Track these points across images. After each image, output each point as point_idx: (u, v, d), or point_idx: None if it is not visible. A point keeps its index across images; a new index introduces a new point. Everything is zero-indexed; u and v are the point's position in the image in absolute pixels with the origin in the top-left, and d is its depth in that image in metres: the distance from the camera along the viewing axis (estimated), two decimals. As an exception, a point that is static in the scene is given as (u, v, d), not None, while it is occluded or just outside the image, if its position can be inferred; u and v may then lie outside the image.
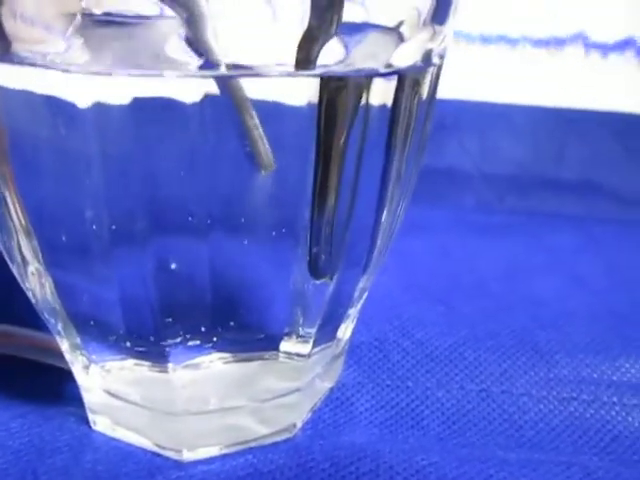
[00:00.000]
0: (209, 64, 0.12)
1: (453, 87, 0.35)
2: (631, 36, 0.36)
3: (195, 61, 0.12)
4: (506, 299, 0.25)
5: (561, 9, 0.36)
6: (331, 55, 0.12)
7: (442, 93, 0.17)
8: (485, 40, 0.36)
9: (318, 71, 0.12)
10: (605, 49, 0.36)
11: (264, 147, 0.13)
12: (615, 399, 0.20)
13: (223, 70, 0.12)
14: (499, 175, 0.37)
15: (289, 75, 0.13)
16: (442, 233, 0.32)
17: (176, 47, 0.12)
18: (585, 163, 0.37)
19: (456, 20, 0.15)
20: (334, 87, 0.13)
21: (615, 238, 0.32)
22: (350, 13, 0.13)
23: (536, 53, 0.36)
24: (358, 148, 0.14)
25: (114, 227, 0.13)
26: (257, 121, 0.12)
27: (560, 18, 0.36)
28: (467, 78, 0.36)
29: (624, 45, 0.36)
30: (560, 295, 0.26)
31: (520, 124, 0.37)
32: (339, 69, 0.13)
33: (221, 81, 0.12)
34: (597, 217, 0.35)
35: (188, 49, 0.12)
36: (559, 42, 0.36)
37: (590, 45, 0.36)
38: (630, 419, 0.19)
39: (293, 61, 0.12)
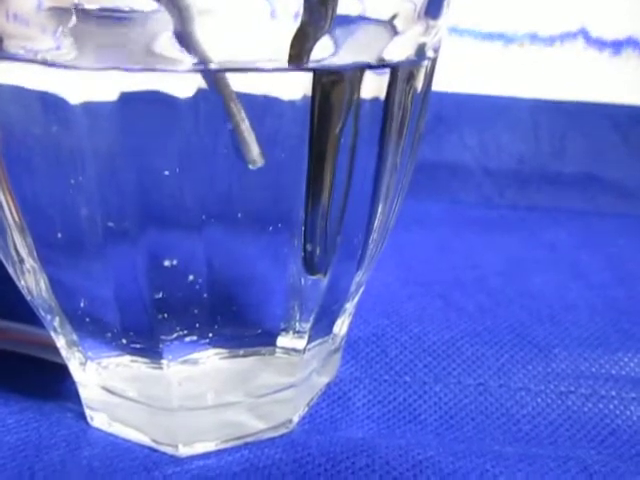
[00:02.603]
0: (201, 60, 0.12)
1: (452, 80, 0.35)
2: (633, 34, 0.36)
3: (188, 57, 0.12)
4: (504, 294, 0.25)
5: (563, 6, 0.36)
6: (322, 49, 0.12)
7: (441, 86, 0.17)
8: (486, 37, 0.36)
9: (310, 66, 0.12)
10: (606, 45, 0.36)
11: (252, 141, 0.13)
12: (613, 393, 0.20)
13: (215, 66, 0.12)
14: (499, 169, 0.37)
15: (282, 70, 0.13)
16: (441, 227, 0.32)
17: (168, 43, 0.12)
18: (585, 157, 0.37)
19: (450, 14, 0.15)
20: (328, 81, 0.13)
21: (615, 232, 0.32)
22: (344, 6, 0.12)
23: (537, 49, 0.36)
24: (351, 142, 0.14)
25: (108, 224, 0.13)
26: (244, 114, 0.12)
27: (562, 15, 0.36)
28: (467, 71, 0.36)
29: (626, 43, 0.36)
30: (558, 289, 0.26)
31: (520, 117, 0.37)
32: (331, 63, 0.13)
33: (209, 75, 0.12)
34: (597, 211, 0.35)
35: (179, 45, 0.12)
36: (561, 38, 0.36)
37: (591, 41, 0.36)
38: (628, 413, 0.19)
39: (286, 56, 0.12)
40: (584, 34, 0.36)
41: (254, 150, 0.13)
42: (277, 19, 0.12)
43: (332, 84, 0.13)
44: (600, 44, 0.36)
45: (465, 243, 0.30)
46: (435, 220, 0.33)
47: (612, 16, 0.36)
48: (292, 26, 0.12)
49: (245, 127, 0.12)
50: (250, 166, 0.13)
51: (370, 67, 0.13)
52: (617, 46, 0.36)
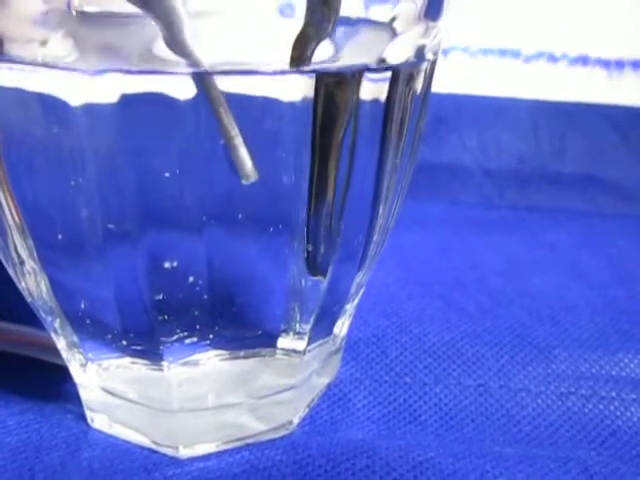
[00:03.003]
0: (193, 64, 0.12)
1: (452, 81, 0.35)
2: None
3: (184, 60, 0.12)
4: (504, 294, 0.25)
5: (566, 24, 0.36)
6: (323, 51, 0.12)
7: (441, 87, 0.17)
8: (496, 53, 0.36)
9: (310, 68, 0.12)
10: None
11: (245, 155, 0.13)
12: (614, 394, 0.20)
13: (216, 68, 0.12)
14: (499, 170, 0.37)
15: (283, 73, 0.13)
16: (441, 228, 0.32)
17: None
18: (585, 157, 0.37)
19: (450, 16, 0.15)
20: (331, 83, 0.13)
21: (615, 233, 0.32)
22: (345, 7, 0.13)
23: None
24: (351, 143, 0.14)
25: (109, 225, 0.13)
26: (237, 129, 0.12)
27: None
28: (467, 72, 0.36)
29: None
30: (558, 290, 0.26)
31: (520, 118, 0.37)
32: (332, 65, 0.13)
33: (202, 86, 0.12)
34: (597, 212, 0.35)
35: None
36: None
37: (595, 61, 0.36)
38: (629, 414, 0.19)
39: (287, 59, 0.12)
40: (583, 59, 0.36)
41: (247, 165, 0.13)
42: (280, 21, 0.12)
43: (335, 86, 0.13)
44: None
45: (465, 244, 0.30)
46: (435, 221, 0.33)
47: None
48: (294, 28, 0.12)
49: (238, 142, 0.12)
50: (243, 181, 0.13)
51: (370, 69, 0.13)
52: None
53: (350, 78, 0.13)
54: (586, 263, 0.29)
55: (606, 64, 0.36)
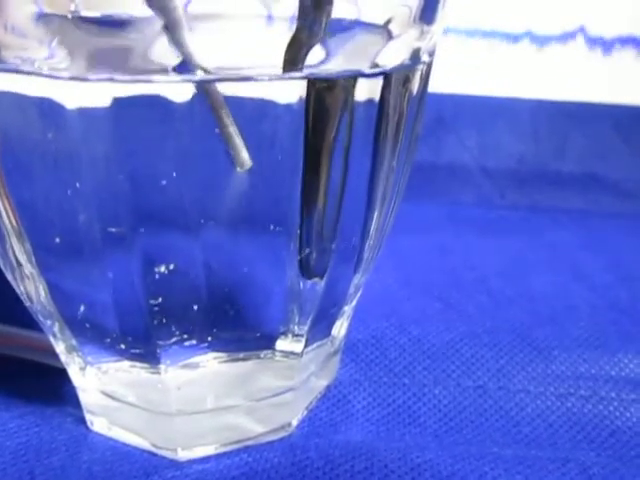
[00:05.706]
0: (184, 67, 0.12)
1: (451, 81, 0.35)
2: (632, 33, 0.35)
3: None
4: (504, 295, 0.25)
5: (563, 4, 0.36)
6: (316, 55, 0.12)
7: (440, 87, 0.17)
8: (486, 35, 0.36)
9: (304, 73, 0.12)
10: (606, 44, 0.36)
11: (240, 144, 0.13)
12: (613, 394, 0.20)
13: (209, 75, 0.12)
14: (499, 170, 0.37)
15: (275, 78, 0.13)
16: (440, 229, 0.32)
17: (163, 51, 0.12)
18: (587, 157, 0.37)
19: (445, 18, 0.15)
20: (322, 86, 0.13)
21: (616, 233, 0.32)
22: (340, 10, 0.13)
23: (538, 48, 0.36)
24: (345, 145, 0.14)
25: (106, 229, 0.13)
26: (231, 118, 0.12)
27: (562, 13, 0.36)
28: (466, 72, 0.36)
29: (626, 41, 0.36)
30: (558, 291, 0.26)
31: (521, 118, 0.37)
32: (326, 69, 0.13)
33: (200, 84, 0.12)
34: (598, 212, 0.35)
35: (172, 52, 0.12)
36: (560, 38, 0.36)
37: (592, 40, 0.36)
38: (628, 414, 0.19)
39: (280, 63, 0.12)
40: (584, 34, 0.36)
41: (243, 153, 0.13)
42: (272, 25, 0.12)
43: (326, 89, 0.13)
44: (600, 44, 0.36)
45: (465, 244, 0.30)
46: (435, 221, 0.33)
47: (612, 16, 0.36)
48: (287, 33, 0.12)
49: (233, 130, 0.12)
50: (238, 169, 0.13)
51: (364, 75, 0.13)
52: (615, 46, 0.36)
53: (341, 81, 0.13)
54: (587, 263, 0.29)
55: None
